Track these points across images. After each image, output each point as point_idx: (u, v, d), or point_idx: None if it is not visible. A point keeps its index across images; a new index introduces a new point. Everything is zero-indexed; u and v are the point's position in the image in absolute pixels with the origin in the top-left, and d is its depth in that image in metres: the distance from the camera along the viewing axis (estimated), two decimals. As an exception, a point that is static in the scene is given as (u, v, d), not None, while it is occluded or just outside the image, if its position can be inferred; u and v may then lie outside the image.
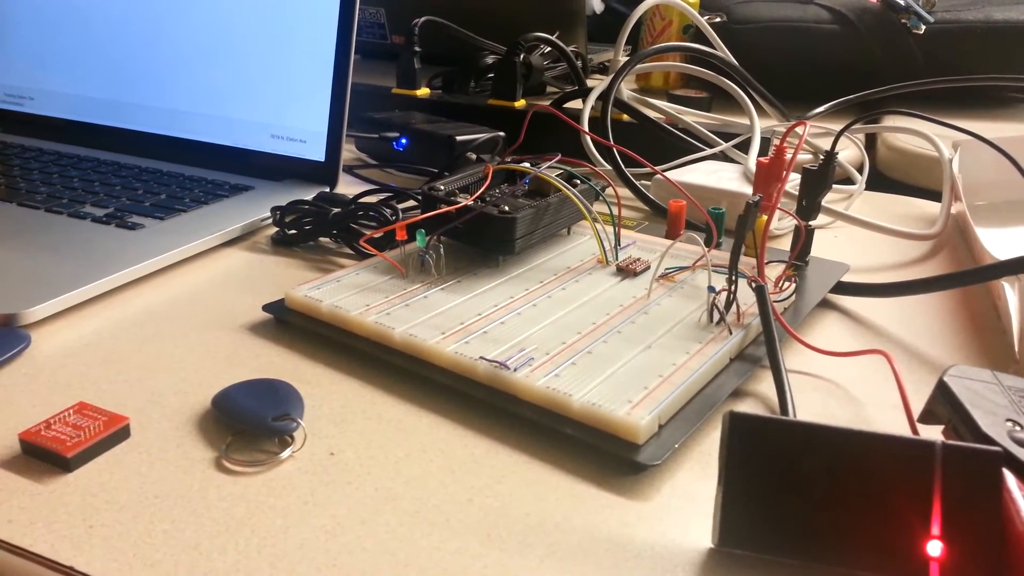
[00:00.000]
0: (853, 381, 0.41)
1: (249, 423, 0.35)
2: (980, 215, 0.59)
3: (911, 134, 0.73)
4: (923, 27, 0.92)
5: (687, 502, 0.33)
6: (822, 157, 0.49)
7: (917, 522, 0.27)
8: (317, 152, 0.65)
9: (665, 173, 0.64)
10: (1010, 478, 0.27)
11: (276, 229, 0.56)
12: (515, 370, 0.37)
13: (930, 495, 0.27)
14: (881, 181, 0.80)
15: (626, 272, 0.48)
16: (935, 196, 0.64)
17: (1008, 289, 0.46)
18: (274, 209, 0.56)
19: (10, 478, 0.32)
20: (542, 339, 0.40)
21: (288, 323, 0.44)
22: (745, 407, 0.39)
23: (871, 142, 0.84)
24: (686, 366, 0.38)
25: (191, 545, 0.29)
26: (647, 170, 0.60)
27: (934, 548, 0.27)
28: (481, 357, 0.38)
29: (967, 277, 0.46)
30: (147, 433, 0.35)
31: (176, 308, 0.47)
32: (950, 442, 0.27)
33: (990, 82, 0.86)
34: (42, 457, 0.33)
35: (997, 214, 0.62)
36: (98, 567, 0.28)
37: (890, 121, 0.82)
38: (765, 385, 0.40)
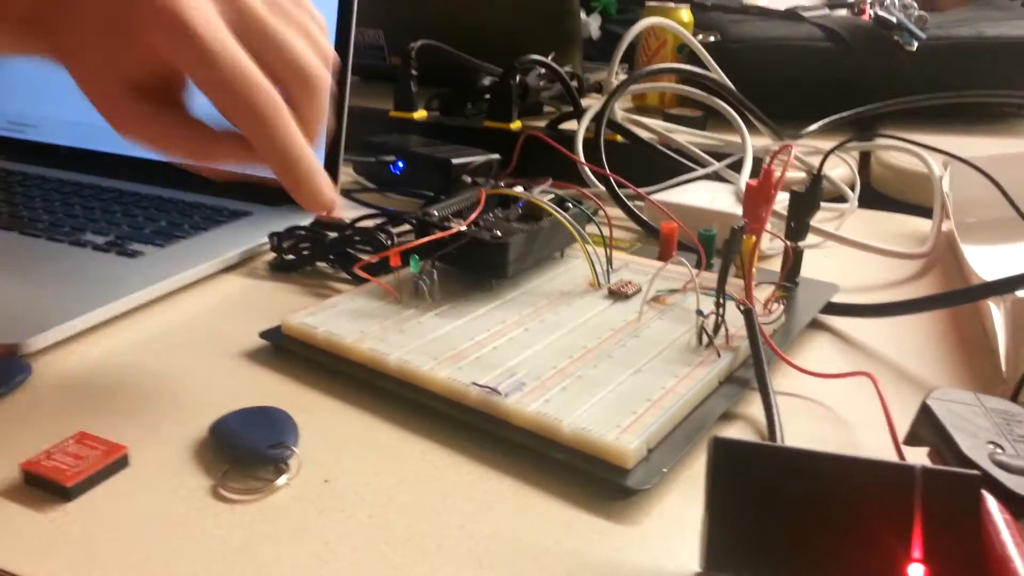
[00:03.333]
0: (842, 403, 0.42)
1: (245, 451, 0.36)
2: (970, 233, 0.59)
3: (903, 152, 0.74)
4: (915, 44, 0.93)
5: (676, 526, 0.33)
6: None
7: (899, 546, 0.27)
8: (315, 177, 0.65)
9: (661, 194, 0.64)
10: (991, 501, 0.28)
11: (274, 255, 0.57)
12: (506, 395, 0.38)
13: (911, 519, 0.27)
14: (876, 198, 0.80)
15: (618, 295, 0.48)
16: (929, 213, 0.65)
17: (995, 309, 0.47)
18: (272, 235, 0.57)
19: (11, 507, 0.33)
20: (534, 364, 0.41)
21: (285, 350, 0.45)
22: (734, 430, 0.39)
23: (865, 159, 0.85)
24: (675, 390, 0.38)
25: (188, 573, 0.30)
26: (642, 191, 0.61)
27: (915, 571, 0.27)
28: (473, 383, 0.39)
29: (955, 298, 0.47)
30: (145, 462, 0.36)
31: (175, 336, 0.47)
32: (930, 466, 0.28)
33: (982, 98, 0.87)
34: (43, 487, 0.34)
35: (987, 232, 0.62)
36: (96, 597, 0.29)
37: (880, 142, 0.83)
38: (755, 408, 0.41)
